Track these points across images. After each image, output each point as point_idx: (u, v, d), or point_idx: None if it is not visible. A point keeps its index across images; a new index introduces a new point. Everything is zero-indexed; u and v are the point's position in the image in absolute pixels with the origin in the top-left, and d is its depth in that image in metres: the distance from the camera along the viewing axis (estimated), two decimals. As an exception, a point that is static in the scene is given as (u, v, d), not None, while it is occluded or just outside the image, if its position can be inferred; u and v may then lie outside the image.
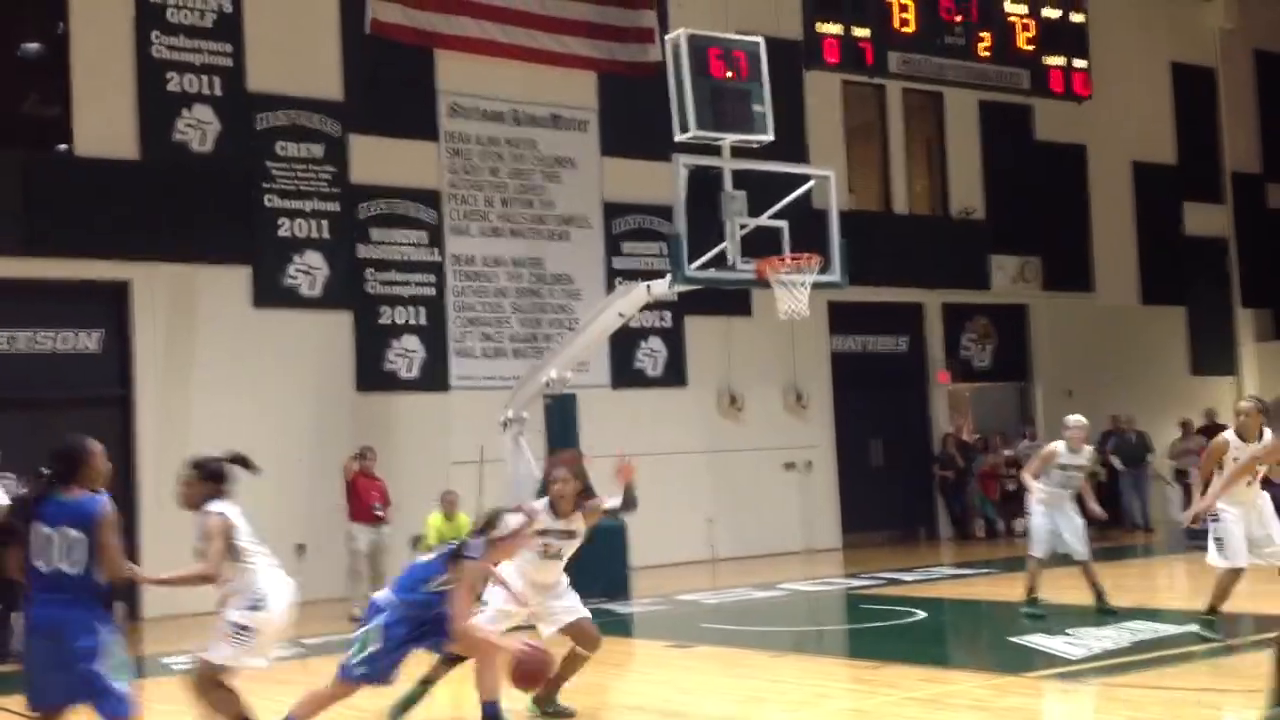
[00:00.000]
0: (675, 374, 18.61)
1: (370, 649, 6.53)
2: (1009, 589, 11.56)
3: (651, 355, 18.48)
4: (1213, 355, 23.40)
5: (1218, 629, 9.03)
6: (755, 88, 12.59)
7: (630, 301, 13.87)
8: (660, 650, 10.81)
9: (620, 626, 12.23)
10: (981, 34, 19.03)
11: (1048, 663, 8.59)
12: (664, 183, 13.01)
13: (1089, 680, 8.08)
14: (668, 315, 18.38)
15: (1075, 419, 10.89)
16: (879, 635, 11.09)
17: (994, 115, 21.16)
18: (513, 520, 6.93)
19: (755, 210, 12.77)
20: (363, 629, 6.67)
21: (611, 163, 18.03)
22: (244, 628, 6.28)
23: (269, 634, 6.40)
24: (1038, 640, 9.32)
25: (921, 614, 11.77)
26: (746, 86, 12.52)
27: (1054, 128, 21.55)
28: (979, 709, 7.46)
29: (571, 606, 7.59)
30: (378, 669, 6.55)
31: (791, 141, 17.43)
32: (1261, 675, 7.26)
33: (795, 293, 12.32)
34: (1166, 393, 22.22)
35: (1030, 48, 19.52)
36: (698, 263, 12.58)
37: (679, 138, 12.40)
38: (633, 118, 17.40)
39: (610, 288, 17.02)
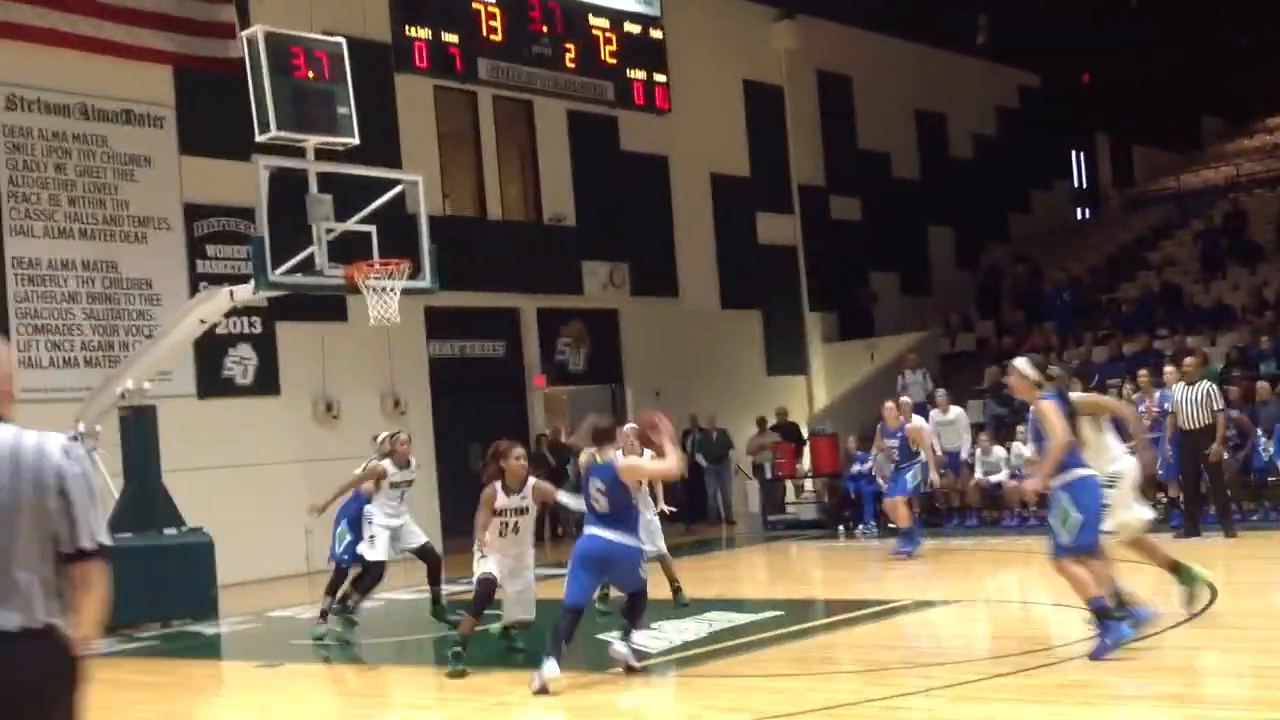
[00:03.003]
0: (267, 382, 17.99)
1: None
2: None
3: (241, 363, 17.78)
4: (786, 356, 25.05)
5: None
6: (339, 89, 12.36)
7: (212, 307, 13.32)
8: (248, 671, 10.39)
9: (206, 649, 11.69)
10: (567, 45, 19.61)
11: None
12: (248, 184, 12.54)
13: (668, 672, 8.42)
14: (258, 321, 17.74)
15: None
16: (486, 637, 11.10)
17: (582, 125, 21.75)
18: None
19: (348, 214, 12.55)
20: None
21: (191, 162, 17.20)
22: None
23: None
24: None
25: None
26: (329, 88, 12.27)
27: (638, 139, 22.43)
28: (564, 707, 7.63)
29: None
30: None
31: (384, 145, 17.31)
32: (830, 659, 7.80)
33: (385, 298, 12.20)
34: (745, 392, 23.60)
35: (614, 61, 20.29)
36: (283, 267, 12.23)
37: (260, 138, 12.00)
38: (213, 115, 16.64)
39: (194, 292, 16.23)
